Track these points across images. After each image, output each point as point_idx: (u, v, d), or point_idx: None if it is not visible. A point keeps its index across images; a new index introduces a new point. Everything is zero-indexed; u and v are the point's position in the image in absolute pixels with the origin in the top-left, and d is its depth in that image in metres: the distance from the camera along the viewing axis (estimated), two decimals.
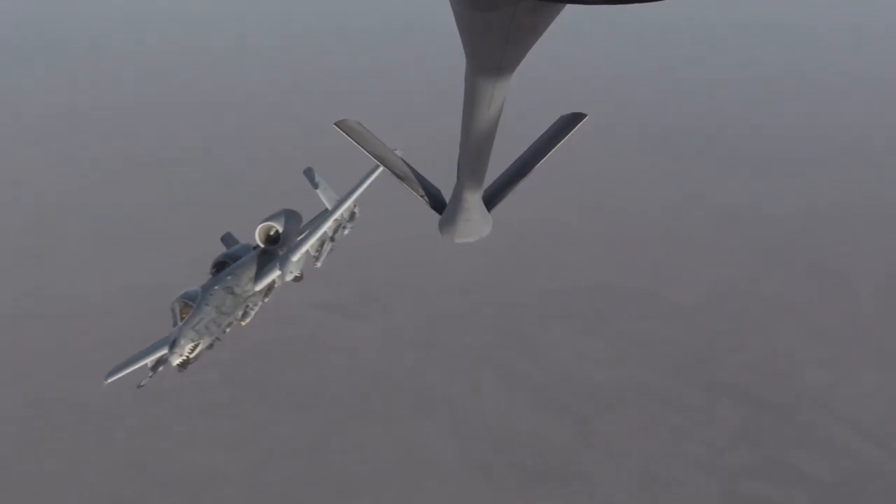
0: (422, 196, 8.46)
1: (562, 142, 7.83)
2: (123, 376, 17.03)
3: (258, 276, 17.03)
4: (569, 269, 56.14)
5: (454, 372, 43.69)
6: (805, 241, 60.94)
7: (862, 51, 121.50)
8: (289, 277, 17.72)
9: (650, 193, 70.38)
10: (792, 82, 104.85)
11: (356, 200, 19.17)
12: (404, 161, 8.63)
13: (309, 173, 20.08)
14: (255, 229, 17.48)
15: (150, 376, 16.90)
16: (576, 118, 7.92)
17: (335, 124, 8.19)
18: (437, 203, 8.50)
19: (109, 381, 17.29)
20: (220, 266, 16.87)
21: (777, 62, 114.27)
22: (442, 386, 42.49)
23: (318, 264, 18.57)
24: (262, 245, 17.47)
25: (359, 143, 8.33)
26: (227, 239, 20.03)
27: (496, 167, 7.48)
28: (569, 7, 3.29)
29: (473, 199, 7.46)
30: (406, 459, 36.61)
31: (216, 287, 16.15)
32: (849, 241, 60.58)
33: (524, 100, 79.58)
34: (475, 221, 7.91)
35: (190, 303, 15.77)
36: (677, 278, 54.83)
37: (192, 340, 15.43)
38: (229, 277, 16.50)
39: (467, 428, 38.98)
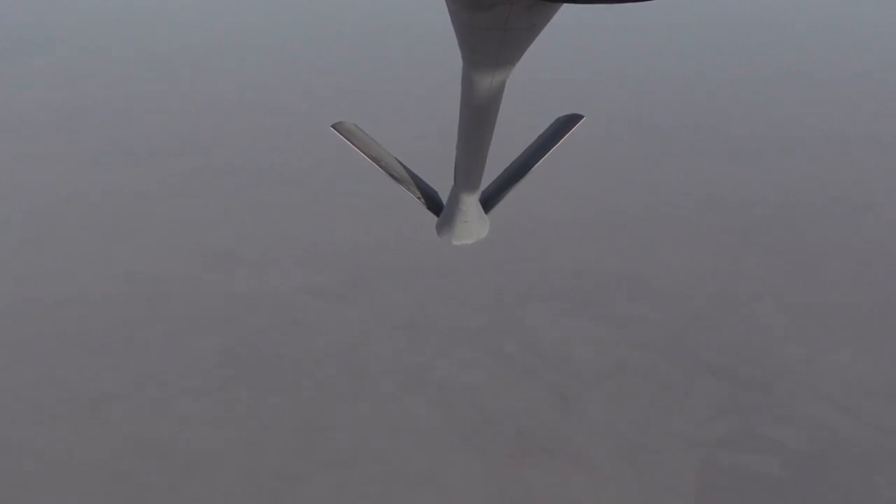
0: (419, 198, 8.46)
1: (558, 143, 7.89)
2: None
3: None
4: (553, 253, 57.29)
5: (443, 352, 44.69)
6: (781, 222, 62.48)
7: (853, 48, 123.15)
8: None
9: (632, 179, 71.68)
10: (781, 80, 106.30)
11: None
12: (401, 163, 8.59)
13: None
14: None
15: None
16: (573, 120, 7.87)
17: (332, 126, 8.19)
18: (434, 205, 8.56)
19: None
20: None
21: (772, 60, 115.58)
22: (431, 365, 43.47)
23: None
24: None
25: (355, 146, 8.27)
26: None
27: (494, 169, 7.70)
28: (565, 6, 3.54)
29: (470, 201, 7.44)
30: (397, 434, 37.67)
31: None
32: (823, 223, 62.18)
33: (521, 100, 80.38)
34: (472, 223, 7.91)
35: None
36: (658, 260, 56.12)
37: None
38: None
39: (456, 405, 40.05)
